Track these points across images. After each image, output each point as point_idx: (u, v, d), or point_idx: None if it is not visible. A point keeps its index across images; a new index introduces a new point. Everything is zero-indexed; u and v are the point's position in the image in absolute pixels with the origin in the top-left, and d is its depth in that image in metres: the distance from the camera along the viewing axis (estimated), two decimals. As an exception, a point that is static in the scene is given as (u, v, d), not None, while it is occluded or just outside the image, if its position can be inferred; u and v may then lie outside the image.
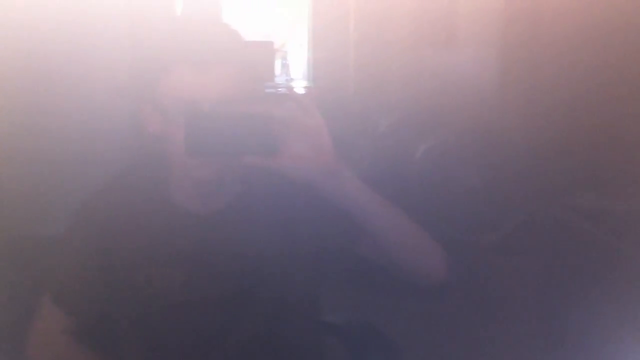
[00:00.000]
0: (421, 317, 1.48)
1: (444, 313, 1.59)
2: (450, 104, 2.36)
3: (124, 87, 1.32)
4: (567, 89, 1.84)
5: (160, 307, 1.03)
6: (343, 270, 1.05)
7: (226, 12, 1.78)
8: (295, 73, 2.36)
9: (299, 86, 2.26)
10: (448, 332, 1.64)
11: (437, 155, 1.99)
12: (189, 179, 1.01)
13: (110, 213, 1.04)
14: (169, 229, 1.02)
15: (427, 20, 2.45)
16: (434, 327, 1.61)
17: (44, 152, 2.09)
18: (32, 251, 1.22)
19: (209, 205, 1.03)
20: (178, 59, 0.93)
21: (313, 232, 1.01)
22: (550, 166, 1.78)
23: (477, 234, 1.68)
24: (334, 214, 0.94)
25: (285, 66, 2.40)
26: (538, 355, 1.62)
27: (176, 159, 0.97)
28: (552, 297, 1.71)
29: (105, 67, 1.96)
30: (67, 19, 1.79)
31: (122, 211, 1.04)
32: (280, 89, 1.95)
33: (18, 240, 1.35)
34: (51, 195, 1.91)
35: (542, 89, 1.98)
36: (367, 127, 2.32)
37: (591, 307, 1.52)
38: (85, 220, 1.06)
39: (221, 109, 0.90)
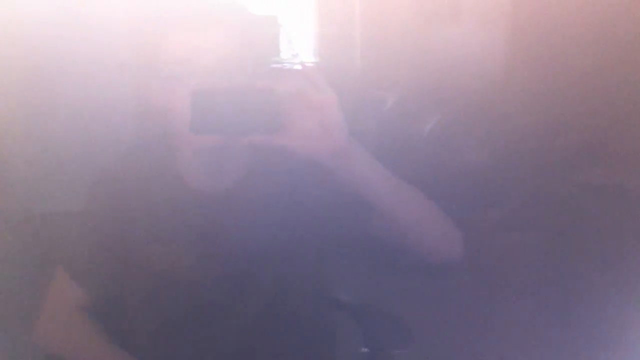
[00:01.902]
0: (428, 295, 1.48)
1: (451, 290, 1.59)
2: (457, 78, 2.34)
3: (126, 59, 1.30)
4: (577, 63, 1.82)
5: (168, 284, 1.03)
6: (353, 249, 1.04)
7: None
8: (300, 48, 2.33)
9: (305, 61, 2.24)
10: (455, 310, 1.64)
11: (445, 131, 1.98)
12: (195, 155, 1.00)
13: (119, 190, 1.03)
14: (176, 206, 1.01)
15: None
16: (440, 305, 1.61)
17: (51, 129, 2.08)
18: (44, 227, 1.23)
19: (216, 183, 1.03)
20: (177, 25, 0.91)
21: (322, 211, 1.00)
22: (557, 141, 1.76)
23: (484, 210, 1.67)
24: (344, 192, 0.92)
25: (290, 41, 2.38)
26: (545, 332, 1.62)
27: (181, 134, 0.95)
28: (559, 274, 1.70)
29: (106, 39, 1.94)
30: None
31: (131, 187, 1.03)
32: (285, 64, 1.93)
33: (30, 217, 1.35)
34: (61, 172, 1.91)
35: (550, 63, 1.96)
36: (373, 103, 2.30)
37: (598, 284, 1.51)
38: (95, 198, 1.06)
39: (225, 84, 0.89)
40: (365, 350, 1.15)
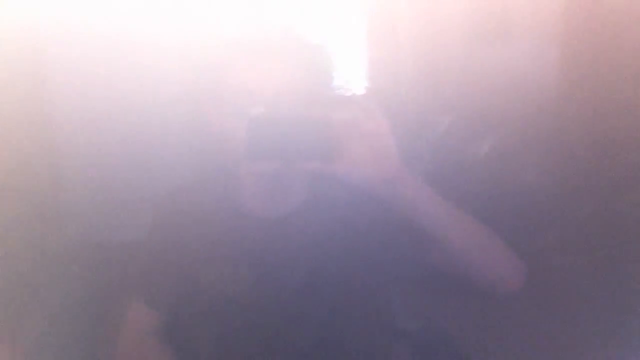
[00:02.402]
0: (488, 322, 1.45)
1: (512, 317, 1.56)
2: (509, 101, 2.32)
3: (189, 85, 1.34)
4: (633, 83, 1.79)
5: (230, 308, 1.04)
6: (412, 278, 1.04)
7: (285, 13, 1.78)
8: (352, 75, 2.35)
9: (357, 88, 2.25)
10: (516, 337, 1.61)
11: (499, 155, 1.96)
12: (252, 181, 1.01)
13: (181, 216, 1.05)
14: (235, 231, 1.03)
15: (483, 15, 2.41)
16: (501, 333, 1.58)
17: (112, 156, 2.14)
18: (110, 256, 1.26)
19: (273, 209, 1.04)
20: (238, 55, 0.93)
21: (380, 239, 1.00)
22: (616, 162, 1.73)
23: (543, 235, 1.64)
24: (400, 220, 0.92)
25: (342, 69, 2.40)
26: (606, 355, 1.58)
27: (239, 161, 0.97)
28: (620, 297, 1.66)
29: (170, 66, 1.99)
30: (133, 17, 1.82)
31: (192, 213, 1.05)
32: (339, 92, 1.95)
33: (94, 246, 1.39)
34: (122, 200, 1.96)
35: (606, 83, 1.92)
36: (426, 128, 2.29)
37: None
38: (158, 224, 1.08)
39: (281, 112, 0.90)
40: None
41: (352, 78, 2.46)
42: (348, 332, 1.06)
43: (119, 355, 1.11)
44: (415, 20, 2.40)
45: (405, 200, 0.90)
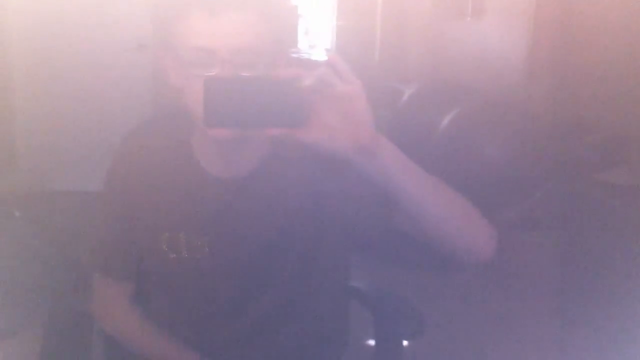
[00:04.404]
0: (442, 289, 1.45)
1: (465, 287, 1.57)
2: (474, 74, 2.32)
3: (145, 36, 1.28)
4: (598, 62, 1.79)
5: (184, 271, 1.01)
6: (375, 242, 1.02)
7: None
8: (318, 40, 2.32)
9: (322, 52, 2.22)
10: (468, 307, 1.62)
11: (460, 126, 1.95)
12: (211, 140, 0.97)
13: (133, 172, 1.01)
14: (190, 190, 0.99)
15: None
16: (455, 302, 1.59)
17: (68, 107, 2.08)
18: (59, 205, 1.22)
19: (232, 170, 1.00)
20: (197, 8, 0.89)
21: (345, 203, 0.97)
22: (578, 141, 1.74)
23: (501, 208, 1.65)
24: (369, 187, 0.89)
25: (307, 32, 2.36)
26: (557, 332, 1.60)
27: (197, 116, 0.92)
28: (574, 275, 1.68)
29: (125, 15, 1.93)
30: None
31: (145, 169, 1.01)
32: (303, 55, 1.91)
33: (44, 194, 1.35)
34: (76, 150, 1.91)
35: (571, 61, 1.93)
36: (390, 97, 2.28)
37: (615, 285, 1.49)
38: (109, 181, 1.04)
39: (243, 73, 0.85)
40: (374, 340, 1.14)
41: (318, 42, 2.43)
42: (305, 293, 1.04)
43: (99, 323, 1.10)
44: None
45: (378, 166, 0.85)
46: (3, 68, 2.04)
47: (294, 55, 1.16)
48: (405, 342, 1.14)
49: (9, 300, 1.23)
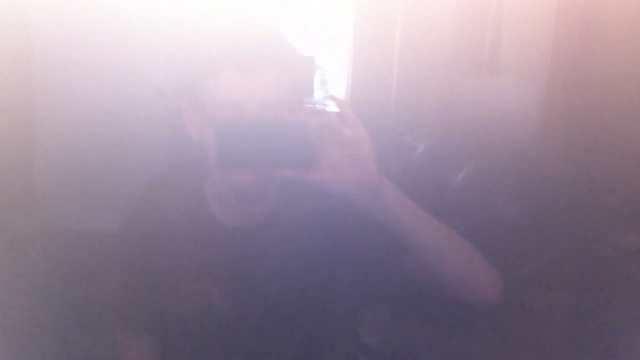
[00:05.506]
0: (449, 345, 1.42)
1: (475, 346, 1.53)
2: (490, 131, 2.31)
3: (167, 87, 1.30)
4: (615, 121, 1.79)
5: (200, 322, 1.01)
6: (386, 285, 1.00)
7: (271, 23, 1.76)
8: (334, 90, 2.33)
9: (334, 103, 2.22)
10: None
11: (473, 182, 1.94)
12: (226, 188, 0.99)
13: (148, 221, 1.03)
14: (205, 241, 1.00)
15: (470, 46, 2.42)
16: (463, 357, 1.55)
17: (86, 152, 2.10)
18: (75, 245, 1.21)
19: (247, 218, 1.01)
20: (224, 61, 0.91)
21: (354, 246, 0.98)
22: (593, 202, 1.71)
23: (513, 266, 1.62)
24: (375, 227, 0.90)
25: (324, 83, 2.37)
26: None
27: (213, 167, 0.95)
28: (587, 341, 1.64)
29: (149, 66, 1.96)
30: (111, 16, 1.80)
31: (160, 220, 1.03)
32: (318, 105, 1.92)
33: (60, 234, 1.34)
34: (93, 195, 1.92)
35: (587, 121, 1.92)
36: (403, 149, 2.27)
37: (628, 349, 1.45)
38: (125, 229, 1.05)
39: (255, 117, 0.87)
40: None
41: (334, 92, 2.44)
42: (319, 340, 1.03)
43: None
44: (403, 43, 2.39)
45: (381, 208, 0.87)
46: (25, 109, 2.08)
47: (309, 105, 1.19)
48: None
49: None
